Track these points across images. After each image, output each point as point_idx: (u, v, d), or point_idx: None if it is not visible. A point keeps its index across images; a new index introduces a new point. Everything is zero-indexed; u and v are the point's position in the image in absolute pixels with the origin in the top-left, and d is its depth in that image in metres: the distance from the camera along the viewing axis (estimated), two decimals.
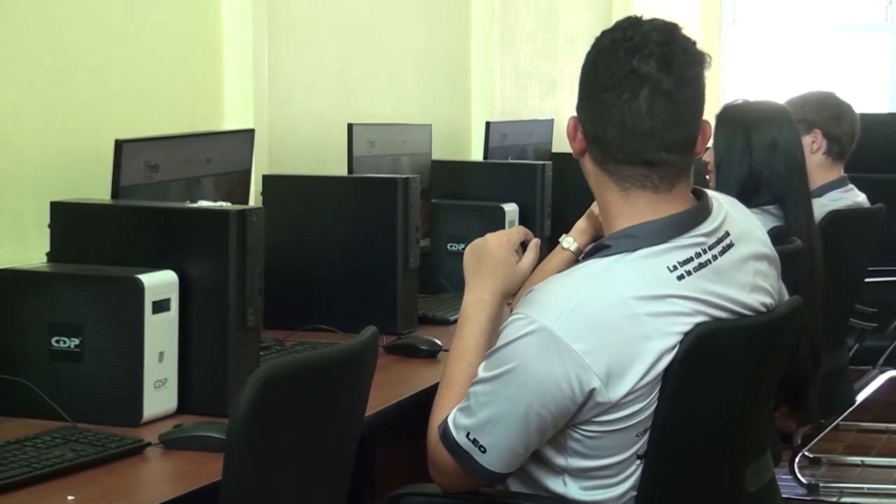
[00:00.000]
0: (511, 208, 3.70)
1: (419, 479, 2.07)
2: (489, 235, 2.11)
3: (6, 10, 2.59)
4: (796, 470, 4.46)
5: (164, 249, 2.29)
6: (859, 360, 4.09)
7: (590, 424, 1.87)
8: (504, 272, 2.07)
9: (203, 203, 2.39)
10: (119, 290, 2.20)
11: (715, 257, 1.92)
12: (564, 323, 1.82)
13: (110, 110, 2.88)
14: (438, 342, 2.86)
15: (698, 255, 1.91)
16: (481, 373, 1.90)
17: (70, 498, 1.82)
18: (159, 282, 2.22)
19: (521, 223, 3.73)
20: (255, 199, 3.12)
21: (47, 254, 2.39)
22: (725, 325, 1.92)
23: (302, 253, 3.10)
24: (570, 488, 1.92)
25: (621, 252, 1.89)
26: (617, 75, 1.87)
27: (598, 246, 1.95)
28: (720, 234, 1.95)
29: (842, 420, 4.45)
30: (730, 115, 3.35)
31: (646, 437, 1.89)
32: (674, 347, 1.85)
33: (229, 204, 2.40)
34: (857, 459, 4.83)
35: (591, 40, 1.97)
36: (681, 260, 1.89)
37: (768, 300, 2.02)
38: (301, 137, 3.67)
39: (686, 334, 1.85)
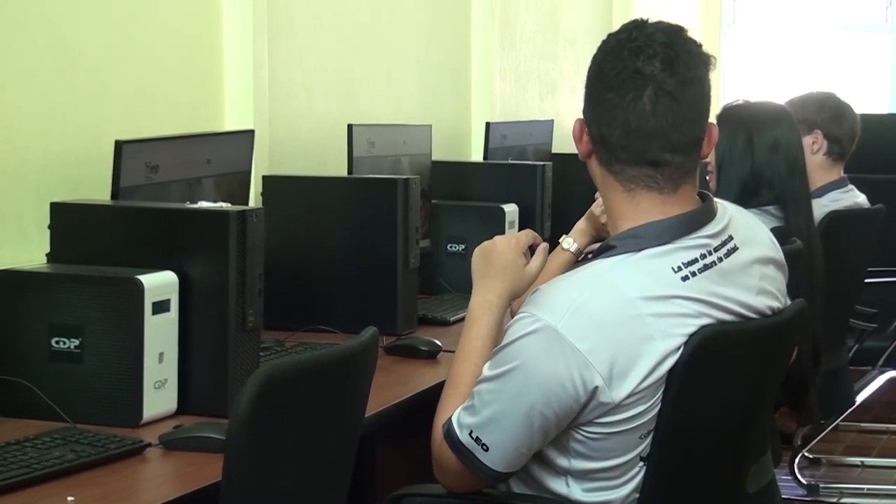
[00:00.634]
0: (511, 209, 3.70)
1: (420, 480, 2.07)
2: (498, 238, 2.11)
3: (7, 11, 2.59)
4: (796, 470, 4.46)
5: (165, 250, 2.29)
6: (859, 360, 4.08)
7: (592, 425, 1.87)
8: (512, 274, 2.07)
9: (203, 204, 2.39)
10: (119, 290, 2.20)
11: (720, 259, 1.93)
12: (569, 322, 1.82)
13: (111, 111, 2.88)
14: (438, 343, 2.86)
15: (703, 256, 1.91)
16: (486, 371, 1.90)
17: (70, 499, 1.82)
18: (159, 282, 2.22)
19: (520, 224, 3.73)
20: (255, 199, 3.12)
21: (47, 254, 2.39)
22: (729, 327, 1.91)
23: (302, 254, 3.10)
24: (573, 490, 1.92)
25: (626, 252, 1.89)
26: (621, 75, 1.88)
27: (603, 247, 1.95)
28: (724, 237, 1.95)
29: (842, 421, 4.45)
30: (731, 115, 3.35)
31: (649, 439, 1.89)
32: (678, 349, 1.85)
33: (229, 205, 2.40)
34: (857, 460, 4.83)
35: (592, 41, 1.98)
36: (685, 261, 1.89)
37: (776, 304, 2.01)
38: (301, 138, 3.67)
39: (690, 336, 1.85)
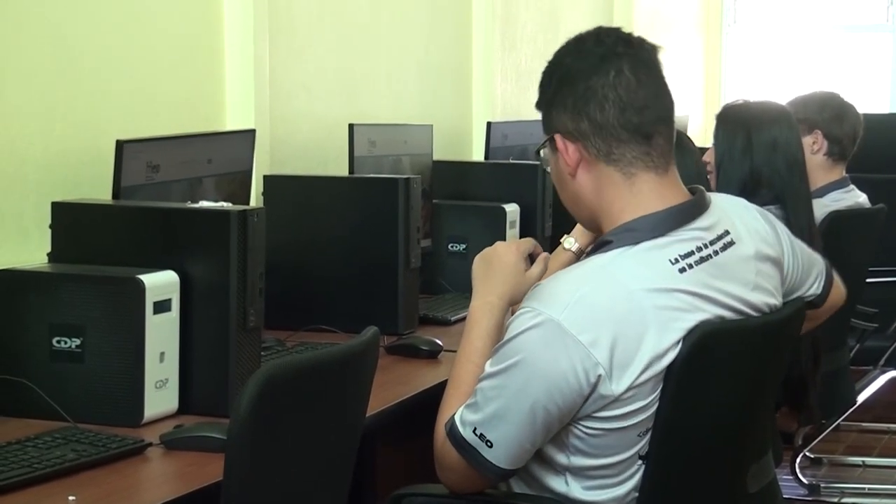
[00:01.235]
0: (512, 209, 3.70)
1: (420, 480, 2.07)
2: (499, 243, 2.11)
3: (8, 11, 2.59)
4: (797, 470, 4.46)
5: (166, 250, 2.29)
6: (860, 360, 4.08)
7: (591, 420, 1.87)
8: (513, 277, 2.06)
9: (204, 203, 2.39)
10: (120, 290, 2.20)
11: (716, 252, 1.93)
12: (570, 314, 1.83)
13: (111, 111, 2.88)
14: (439, 342, 2.86)
15: (699, 248, 1.92)
16: (488, 368, 1.91)
17: (71, 498, 1.82)
18: (160, 282, 2.22)
19: (521, 224, 3.73)
20: (256, 199, 3.12)
21: (48, 254, 2.39)
22: (728, 325, 1.92)
23: (303, 253, 3.10)
24: (573, 488, 1.93)
25: (624, 246, 1.90)
26: (594, 58, 1.93)
27: (599, 243, 1.96)
28: (720, 230, 1.96)
29: (843, 420, 4.45)
30: (730, 114, 3.35)
31: (647, 437, 1.89)
32: (677, 343, 1.85)
33: (230, 204, 2.40)
34: (858, 460, 4.83)
35: None
36: (682, 253, 1.90)
37: (772, 301, 2.02)
38: (302, 138, 3.67)
39: (689, 332, 1.86)
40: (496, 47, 5.00)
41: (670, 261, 1.89)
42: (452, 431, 1.92)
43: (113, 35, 2.90)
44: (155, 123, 2.99)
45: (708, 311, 1.89)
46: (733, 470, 2.05)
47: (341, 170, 3.51)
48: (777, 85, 7.55)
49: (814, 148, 3.79)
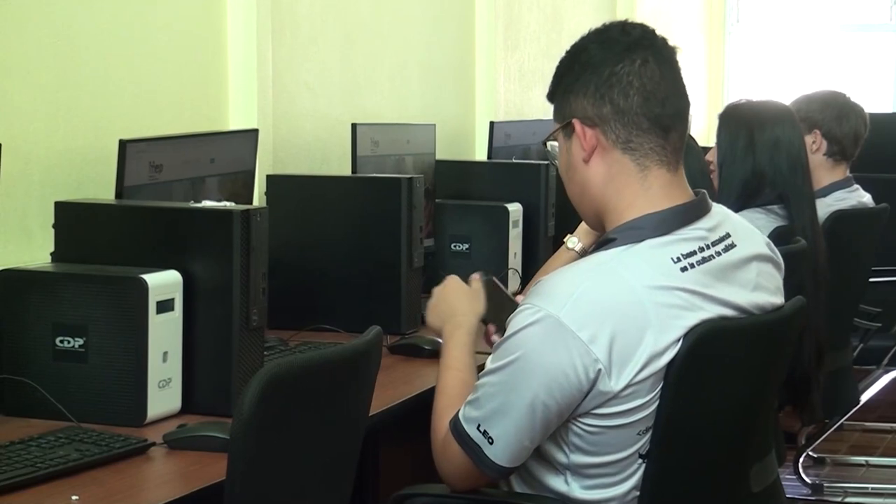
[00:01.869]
0: (515, 208, 3.70)
1: (423, 479, 2.07)
2: (436, 289, 2.29)
3: (11, 12, 2.59)
4: (801, 470, 4.46)
5: (169, 249, 2.29)
6: (864, 360, 4.08)
7: (591, 417, 1.87)
8: (466, 296, 2.23)
9: (207, 203, 2.39)
10: (123, 290, 2.20)
11: (718, 253, 1.94)
12: (570, 310, 1.83)
13: (114, 110, 2.88)
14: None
15: (701, 249, 1.92)
16: (489, 364, 1.92)
17: (74, 498, 1.82)
18: (163, 282, 2.22)
19: (524, 223, 3.73)
20: (258, 199, 3.13)
21: (51, 254, 2.39)
22: (729, 323, 1.92)
23: (306, 253, 3.10)
24: (573, 487, 1.93)
25: (627, 243, 1.90)
26: (620, 47, 1.94)
27: (603, 240, 1.96)
28: (721, 232, 1.97)
29: (846, 420, 4.45)
30: (733, 114, 3.36)
31: (648, 435, 1.89)
32: (677, 341, 1.85)
33: (233, 204, 2.40)
34: (861, 459, 4.82)
35: None
36: (684, 252, 1.90)
37: (775, 300, 2.02)
38: (305, 137, 3.67)
39: (690, 330, 1.86)
40: (499, 47, 5.00)
41: (672, 259, 1.89)
42: (457, 428, 1.93)
43: (116, 35, 2.90)
44: (158, 123, 2.99)
45: (709, 311, 1.89)
46: (735, 469, 2.05)
47: (344, 169, 3.51)
48: (780, 85, 7.55)
49: (813, 147, 3.79)
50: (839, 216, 3.58)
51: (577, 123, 1.96)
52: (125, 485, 1.92)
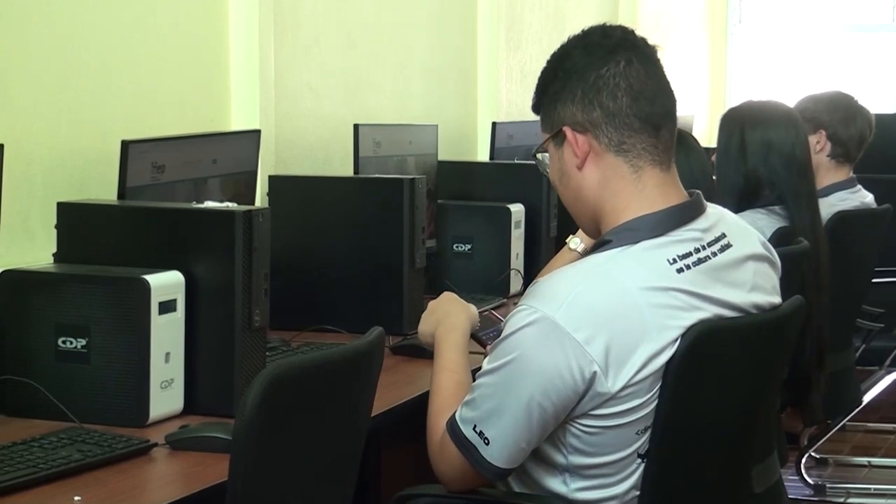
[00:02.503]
0: (517, 209, 3.70)
1: (425, 480, 2.07)
2: (430, 302, 2.31)
3: (14, 13, 2.59)
4: (803, 471, 4.46)
5: (171, 250, 2.29)
6: (866, 360, 4.08)
7: (588, 418, 1.87)
8: (459, 304, 2.25)
9: (209, 204, 2.39)
10: (126, 290, 2.20)
11: (714, 254, 1.94)
12: (566, 312, 1.83)
13: (117, 111, 2.89)
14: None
15: (697, 250, 1.92)
16: (485, 365, 1.92)
17: (77, 499, 1.82)
18: (166, 282, 2.22)
19: (527, 224, 3.73)
20: (261, 199, 3.13)
21: (54, 254, 2.39)
22: (727, 323, 1.92)
23: (308, 254, 3.10)
24: (571, 487, 1.93)
25: (623, 245, 1.90)
26: (603, 51, 1.94)
27: (599, 242, 1.96)
28: (717, 233, 1.97)
29: (848, 421, 4.44)
30: (730, 115, 3.37)
31: (646, 435, 1.89)
32: (674, 341, 1.85)
33: (235, 204, 2.40)
34: (863, 460, 4.82)
35: None
36: (680, 254, 1.90)
37: (772, 299, 2.02)
38: (307, 138, 3.67)
39: (687, 330, 1.86)
40: (501, 47, 5.00)
41: (668, 261, 1.89)
42: (453, 429, 1.93)
43: (118, 35, 2.90)
44: (160, 124, 2.99)
45: (707, 311, 1.89)
46: (736, 469, 2.05)
47: (346, 170, 3.51)
48: (782, 85, 7.55)
49: (817, 148, 3.79)
50: (842, 217, 3.58)
51: (568, 131, 1.96)
52: (127, 485, 1.92)
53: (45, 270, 2.32)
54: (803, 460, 4.46)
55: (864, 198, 3.87)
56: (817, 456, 4.72)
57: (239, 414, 1.60)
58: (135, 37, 2.95)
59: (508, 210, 3.67)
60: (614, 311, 1.84)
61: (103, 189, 2.66)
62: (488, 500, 1.99)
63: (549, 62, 2.01)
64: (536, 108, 2.03)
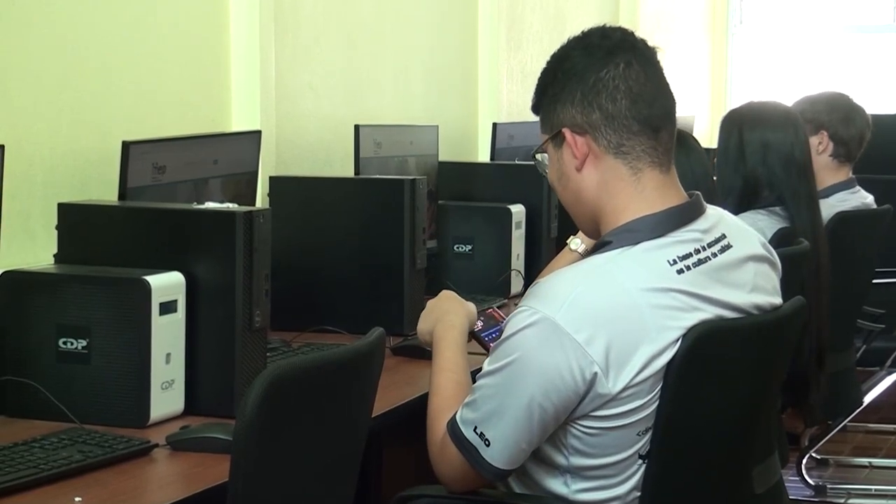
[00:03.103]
0: (518, 209, 3.70)
1: (426, 480, 2.07)
2: (429, 301, 2.31)
3: (14, 13, 2.59)
4: (804, 471, 4.46)
5: (172, 251, 2.30)
6: (867, 361, 4.08)
7: (589, 419, 1.87)
8: (458, 302, 2.26)
9: (210, 204, 2.39)
10: (126, 291, 2.20)
11: (714, 255, 1.94)
12: (567, 313, 1.83)
13: (118, 112, 2.89)
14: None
15: (697, 251, 1.92)
16: (486, 367, 1.92)
17: (77, 499, 1.82)
18: (166, 283, 2.22)
19: (527, 225, 3.73)
20: (261, 200, 3.13)
21: (55, 255, 2.39)
22: (728, 323, 1.92)
23: (309, 254, 3.10)
24: (572, 489, 1.93)
25: (623, 246, 1.90)
26: (602, 52, 1.94)
27: (599, 243, 1.96)
28: (717, 234, 1.97)
29: (849, 421, 4.44)
30: (729, 116, 3.37)
31: (647, 436, 1.89)
32: (675, 342, 1.85)
33: (236, 205, 2.40)
34: (864, 461, 4.82)
35: None
36: (680, 255, 1.90)
37: (772, 300, 2.02)
38: (308, 139, 3.68)
39: (688, 330, 1.86)
40: (502, 48, 5.00)
41: (668, 262, 1.89)
42: (454, 430, 1.93)
43: (119, 36, 2.90)
44: (161, 124, 2.99)
45: (707, 311, 1.89)
46: (737, 470, 2.05)
47: (347, 171, 3.51)
48: (784, 86, 7.54)
49: (819, 148, 3.79)
50: (842, 217, 3.58)
51: (567, 132, 1.95)
52: (128, 486, 1.92)
53: (46, 271, 2.32)
54: (804, 461, 4.46)
55: (864, 198, 3.87)
56: (818, 456, 4.72)
57: (239, 415, 1.60)
58: (135, 37, 2.96)
59: (509, 211, 3.67)
60: (615, 312, 1.84)
61: (104, 190, 2.66)
62: (489, 500, 1.99)
63: (548, 63, 2.02)
64: (536, 108, 2.03)
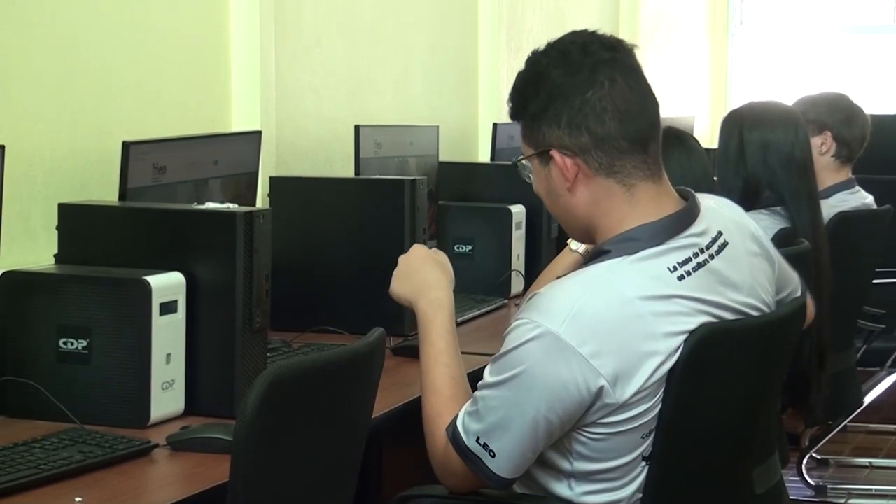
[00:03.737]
0: (518, 210, 3.70)
1: (427, 481, 2.07)
2: (403, 256, 2.20)
3: (14, 13, 2.59)
4: (804, 471, 4.46)
5: (172, 251, 2.30)
6: (867, 361, 4.08)
7: (595, 426, 1.87)
8: (438, 269, 2.15)
9: (210, 205, 2.39)
10: (127, 291, 2.20)
11: (712, 257, 1.93)
12: (570, 327, 1.82)
13: (118, 112, 2.89)
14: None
15: (696, 255, 1.91)
16: (488, 377, 1.90)
17: (78, 500, 1.82)
18: (167, 283, 2.22)
19: (527, 225, 3.73)
20: (262, 200, 3.13)
21: (55, 255, 2.39)
22: (729, 325, 1.92)
23: (309, 254, 3.10)
24: (576, 492, 1.92)
25: (622, 255, 1.89)
26: (586, 70, 1.90)
27: (596, 251, 1.95)
28: (713, 233, 1.96)
29: (850, 422, 4.44)
30: (729, 117, 3.37)
31: (651, 438, 1.89)
32: (679, 346, 1.85)
33: (236, 205, 2.40)
34: (865, 461, 4.82)
35: None
36: (680, 261, 1.90)
37: (768, 297, 2.02)
38: (308, 139, 3.67)
39: (691, 333, 1.86)
40: (502, 48, 5.00)
41: (668, 269, 1.88)
42: (456, 439, 1.92)
43: (119, 36, 2.90)
44: (161, 125, 2.99)
45: (709, 314, 1.89)
46: (738, 470, 2.05)
47: (347, 171, 3.51)
48: (784, 86, 7.54)
49: (822, 149, 3.79)
50: (843, 217, 3.58)
51: (556, 154, 1.93)
52: (128, 486, 1.92)
53: (47, 271, 2.32)
54: (804, 461, 4.46)
55: (864, 198, 3.87)
56: (818, 457, 4.72)
57: (240, 415, 1.60)
58: (136, 38, 2.96)
59: (509, 211, 3.67)
60: (618, 322, 1.83)
61: (104, 190, 2.66)
62: (490, 500, 1.99)
63: (527, 71, 1.97)
64: (515, 116, 2.00)
